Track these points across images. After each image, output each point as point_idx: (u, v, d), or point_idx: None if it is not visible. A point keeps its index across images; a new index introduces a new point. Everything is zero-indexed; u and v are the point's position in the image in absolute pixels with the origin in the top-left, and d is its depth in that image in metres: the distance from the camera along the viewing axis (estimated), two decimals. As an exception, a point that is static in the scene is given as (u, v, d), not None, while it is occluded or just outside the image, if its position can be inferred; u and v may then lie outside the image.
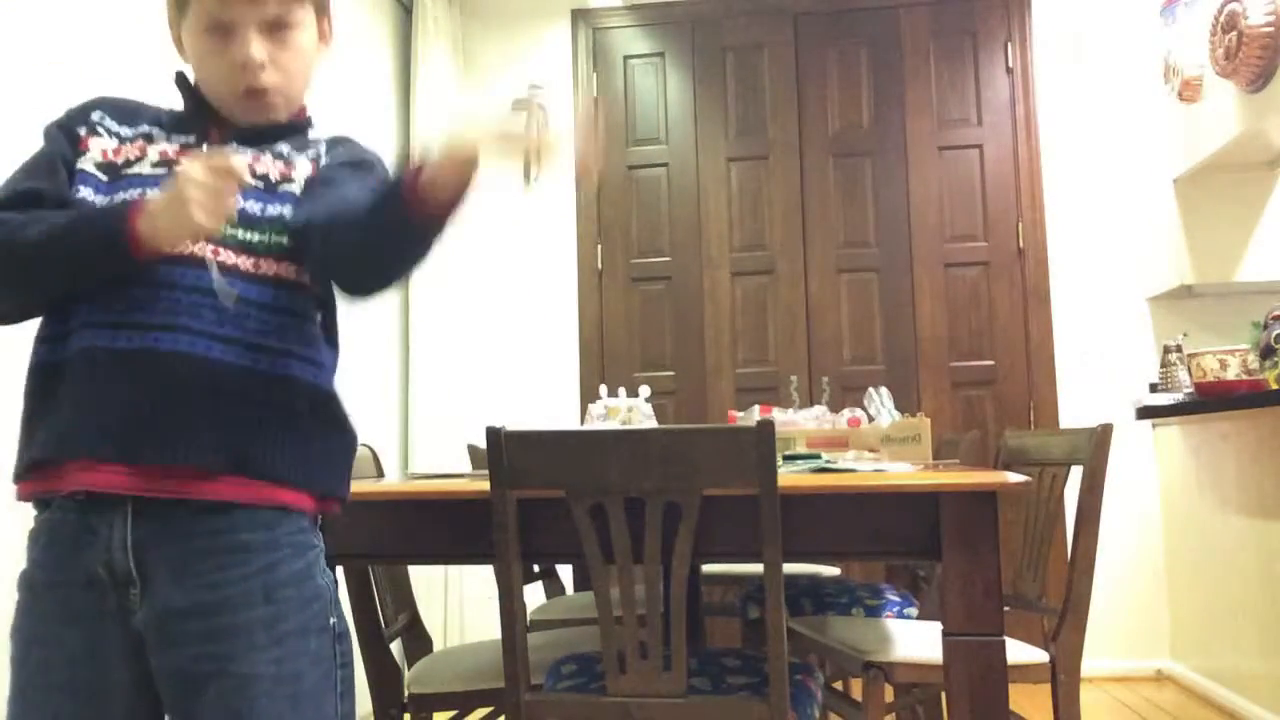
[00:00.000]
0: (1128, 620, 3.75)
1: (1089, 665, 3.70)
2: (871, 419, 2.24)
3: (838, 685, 2.69)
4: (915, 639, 2.03)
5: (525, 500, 1.55)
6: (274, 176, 1.22)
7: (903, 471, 1.66)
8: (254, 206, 1.18)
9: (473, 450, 2.88)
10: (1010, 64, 4.03)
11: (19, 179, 1.17)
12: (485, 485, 1.53)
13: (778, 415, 2.27)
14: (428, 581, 3.79)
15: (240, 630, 1.08)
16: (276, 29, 1.20)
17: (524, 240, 4.23)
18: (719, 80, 4.20)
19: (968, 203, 4.01)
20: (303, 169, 1.25)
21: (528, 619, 2.45)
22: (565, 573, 3.42)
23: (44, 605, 1.10)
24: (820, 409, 2.31)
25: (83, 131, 1.20)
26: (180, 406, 1.09)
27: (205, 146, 1.20)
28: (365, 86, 3.81)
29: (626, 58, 4.27)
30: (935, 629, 1.58)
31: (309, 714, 1.10)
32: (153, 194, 1.11)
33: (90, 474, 1.07)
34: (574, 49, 4.28)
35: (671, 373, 4.10)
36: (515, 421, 4.07)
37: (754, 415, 2.32)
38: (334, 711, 1.14)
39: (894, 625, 2.19)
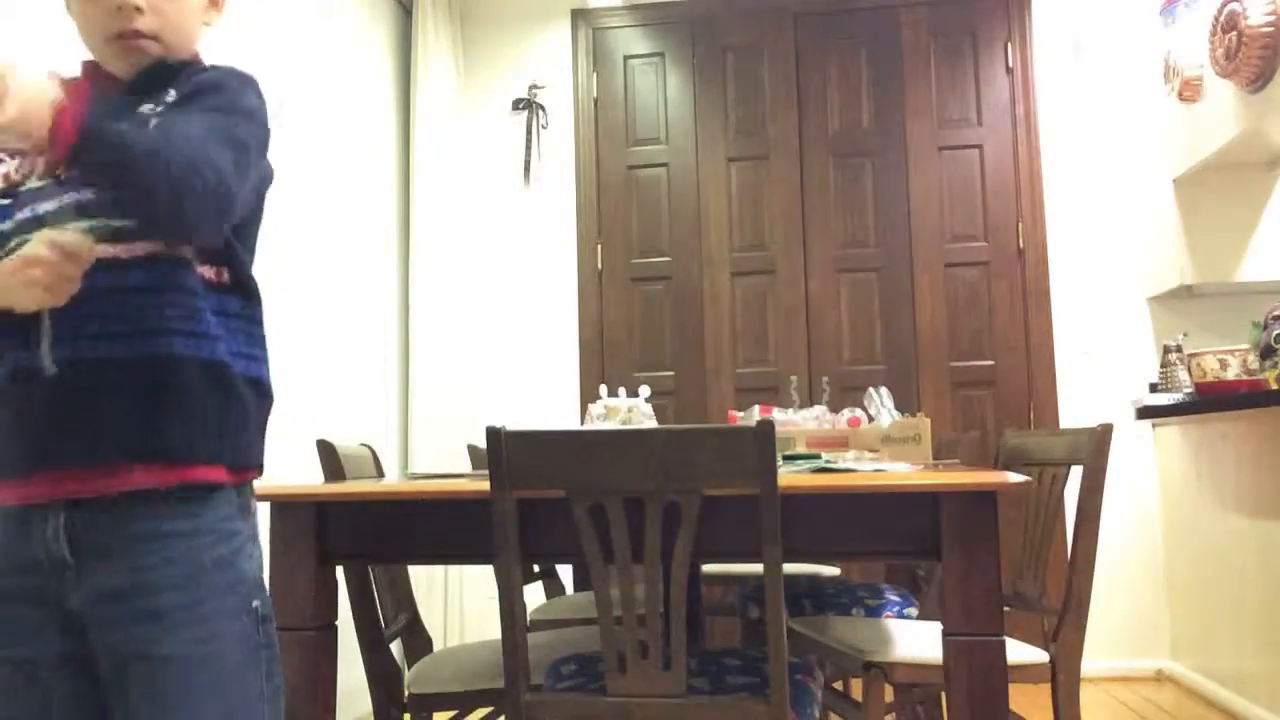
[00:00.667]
0: (1128, 620, 3.75)
1: (1089, 665, 3.71)
2: (871, 419, 2.24)
3: (838, 685, 2.69)
4: (915, 639, 2.03)
5: (525, 500, 1.55)
6: None
7: (903, 471, 1.66)
8: (86, 194, 1.16)
9: (473, 450, 2.88)
10: (1010, 64, 4.03)
11: None
12: (485, 485, 1.53)
13: (778, 415, 2.27)
14: (428, 581, 3.79)
15: (163, 613, 1.11)
16: None
17: (524, 240, 4.23)
18: (719, 80, 4.20)
19: (968, 203, 4.01)
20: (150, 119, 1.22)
21: (528, 619, 2.45)
22: (565, 573, 3.42)
23: None
24: (820, 409, 2.31)
25: None
26: (75, 410, 1.12)
27: (34, 168, 1.19)
28: (365, 86, 3.81)
29: (626, 58, 4.27)
30: (935, 629, 1.58)
31: (233, 694, 1.14)
32: None
33: (13, 490, 1.14)
34: (574, 49, 4.28)
35: (671, 373, 4.10)
36: (515, 421, 4.07)
37: (754, 415, 2.32)
38: (259, 691, 1.17)
39: (894, 625, 2.19)
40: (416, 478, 1.96)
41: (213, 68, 1.28)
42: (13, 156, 1.22)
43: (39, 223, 1.15)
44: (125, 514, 1.13)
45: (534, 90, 4.26)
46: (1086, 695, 3.43)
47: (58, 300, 1.08)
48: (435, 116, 4.02)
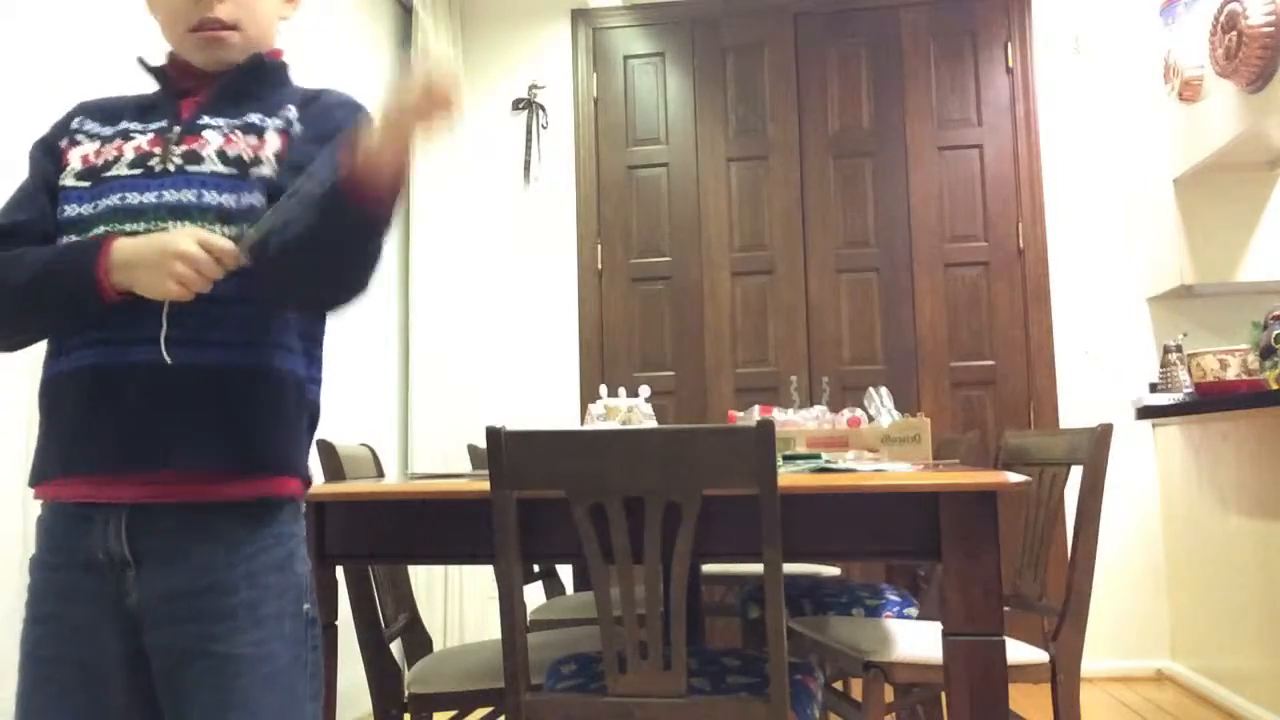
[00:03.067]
0: (1128, 620, 3.75)
1: (1089, 665, 3.70)
2: (871, 419, 2.24)
3: (838, 685, 2.69)
4: (915, 639, 2.03)
5: (525, 500, 1.55)
6: (246, 156, 1.20)
7: (903, 471, 1.66)
8: (228, 199, 1.17)
9: (473, 450, 2.88)
10: (1010, 64, 4.03)
11: (3, 213, 1.21)
12: (485, 485, 1.53)
13: (778, 415, 2.27)
14: (428, 581, 3.79)
15: (226, 613, 1.13)
16: None
17: (524, 240, 4.23)
18: (719, 80, 4.20)
19: (968, 203, 4.01)
20: (272, 143, 1.22)
21: (528, 619, 2.45)
22: (565, 573, 3.42)
23: (50, 586, 1.16)
24: (820, 409, 2.31)
25: (64, 144, 1.23)
26: (167, 414, 1.12)
27: (176, 129, 1.20)
28: (365, 86, 3.80)
29: (626, 58, 4.27)
30: (935, 629, 1.58)
31: (283, 692, 1.16)
32: (130, 246, 1.10)
33: (87, 488, 1.13)
34: (574, 49, 4.28)
35: (671, 373, 4.10)
36: (515, 421, 4.07)
37: (754, 415, 2.32)
38: (305, 690, 1.19)
39: (894, 625, 2.19)
40: (416, 478, 1.96)
41: (326, 92, 1.30)
42: (92, 139, 1.22)
43: (134, 214, 1.15)
44: (196, 518, 1.14)
45: (534, 90, 4.26)
46: (1086, 695, 3.43)
47: (184, 297, 1.08)
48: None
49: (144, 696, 1.15)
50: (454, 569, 3.87)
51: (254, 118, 1.23)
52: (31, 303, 1.14)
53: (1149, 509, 3.79)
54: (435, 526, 1.66)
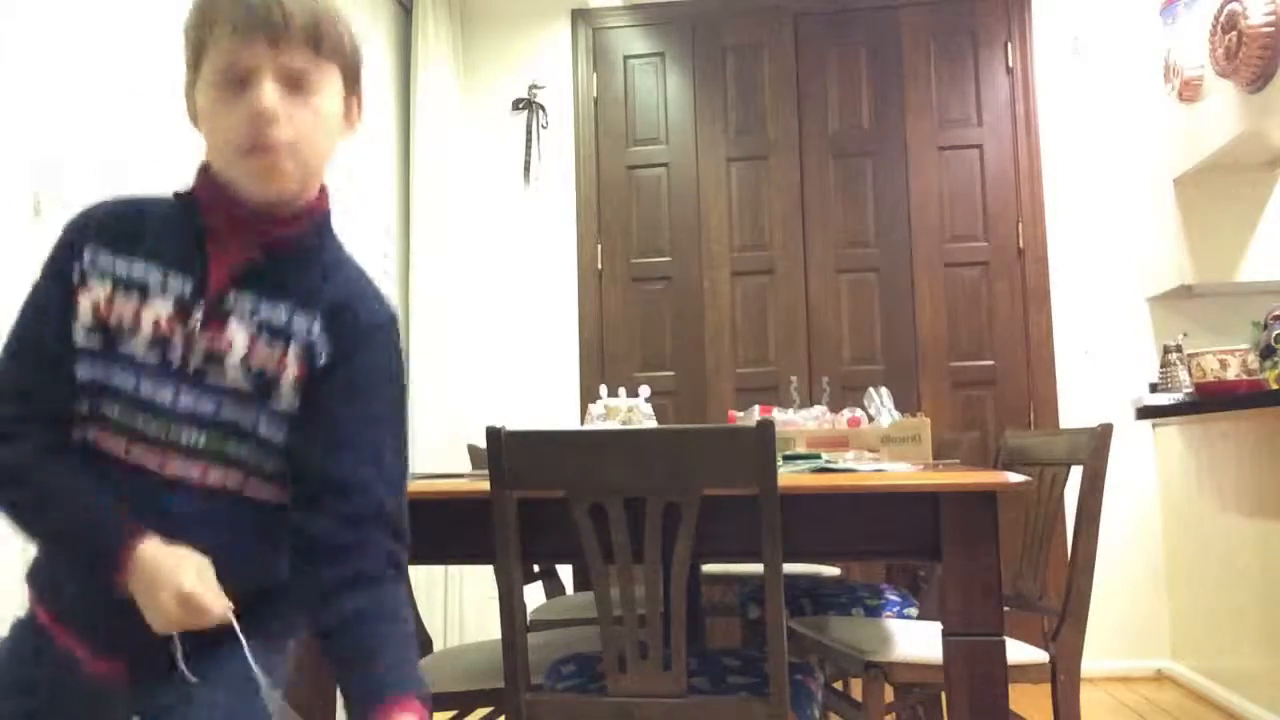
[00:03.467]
0: (1128, 620, 3.74)
1: (1089, 665, 3.69)
2: (871, 419, 2.24)
3: (838, 685, 2.69)
4: (915, 639, 2.03)
5: (525, 500, 1.55)
6: (268, 372, 1.11)
7: (903, 471, 1.66)
8: (245, 419, 1.12)
9: (473, 450, 2.88)
10: (1010, 64, 4.03)
11: (9, 366, 1.11)
12: (485, 485, 1.53)
13: (778, 415, 2.27)
14: (428, 581, 3.79)
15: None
16: (298, 86, 1.09)
17: (524, 240, 4.23)
18: (719, 80, 4.20)
19: (968, 203, 4.01)
20: (292, 366, 1.12)
21: (528, 619, 2.44)
22: (565, 573, 3.41)
23: (16, 687, 1.14)
24: (820, 409, 2.31)
25: (75, 278, 1.10)
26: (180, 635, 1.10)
27: (198, 312, 1.10)
28: (365, 86, 3.80)
29: (626, 58, 4.27)
30: (935, 629, 1.58)
31: None
32: (148, 572, 1.05)
33: (92, 662, 1.13)
34: (574, 49, 4.28)
35: (671, 373, 4.10)
36: (515, 421, 4.06)
37: (754, 415, 2.32)
38: None
39: (894, 625, 2.19)
40: (416, 478, 1.96)
41: (357, 311, 1.16)
42: (103, 280, 1.10)
43: (148, 409, 1.09)
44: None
45: (534, 90, 4.26)
46: (1086, 695, 3.42)
47: (178, 629, 1.07)
48: (435, 116, 4.02)
49: None
50: (454, 569, 3.87)
51: (282, 315, 1.13)
52: (52, 544, 1.14)
53: (1149, 509, 3.79)
54: (435, 526, 1.66)
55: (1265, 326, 3.02)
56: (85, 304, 1.10)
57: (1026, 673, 1.91)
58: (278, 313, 1.12)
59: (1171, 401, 3.42)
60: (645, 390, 2.44)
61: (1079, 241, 3.93)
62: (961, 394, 3.93)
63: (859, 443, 2.16)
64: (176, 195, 1.15)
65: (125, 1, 2.33)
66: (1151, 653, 3.74)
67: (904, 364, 3.97)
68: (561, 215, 4.22)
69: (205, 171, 1.13)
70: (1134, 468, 3.80)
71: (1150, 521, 3.78)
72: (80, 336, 1.09)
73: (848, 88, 4.12)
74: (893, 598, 2.47)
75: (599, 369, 4.12)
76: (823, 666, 2.44)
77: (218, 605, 1.06)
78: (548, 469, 1.50)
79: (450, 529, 1.66)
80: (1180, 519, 3.62)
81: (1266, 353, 2.98)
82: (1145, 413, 3.52)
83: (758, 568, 1.47)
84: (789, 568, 2.85)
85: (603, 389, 2.51)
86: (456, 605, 3.88)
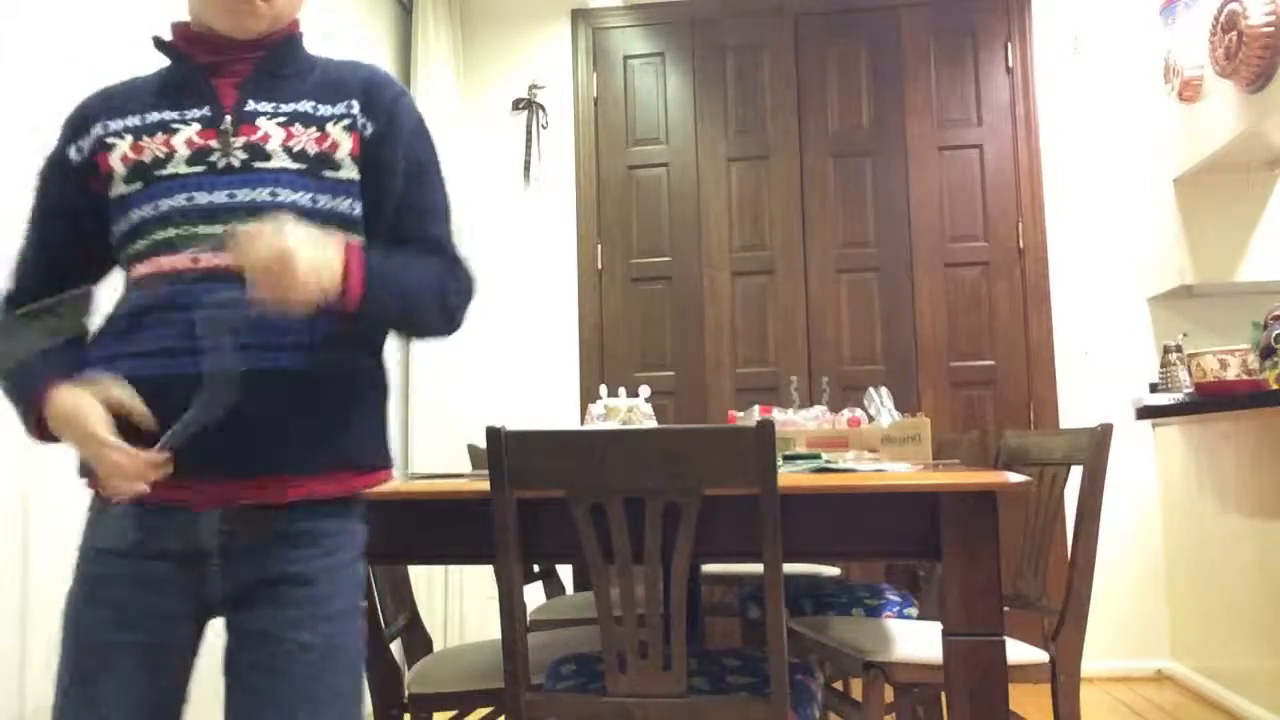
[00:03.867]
0: (1128, 620, 3.74)
1: (1089, 665, 3.71)
2: (871, 419, 2.24)
3: (838, 685, 2.69)
4: (915, 639, 2.03)
5: (525, 500, 1.55)
6: (311, 151, 1.17)
7: (903, 471, 1.66)
8: (303, 198, 1.16)
9: (473, 450, 2.88)
10: (1010, 64, 4.03)
11: (14, 270, 1.22)
12: (485, 485, 1.53)
13: (778, 415, 2.27)
14: (428, 581, 3.79)
15: (307, 602, 1.16)
16: None
17: (524, 240, 4.23)
18: (719, 80, 4.20)
19: (968, 203, 4.01)
20: (343, 142, 1.19)
21: (528, 619, 2.45)
22: (565, 573, 3.42)
23: (113, 571, 1.15)
24: (820, 409, 2.31)
25: (94, 154, 1.18)
26: (259, 421, 1.12)
27: (226, 118, 1.16)
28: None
29: (626, 58, 4.27)
30: (935, 629, 1.58)
31: (350, 680, 1.19)
32: (63, 410, 1.10)
33: (170, 491, 1.13)
34: (574, 49, 4.28)
35: (671, 373, 4.10)
36: (515, 421, 4.07)
37: (754, 415, 2.32)
38: (362, 678, 1.23)
39: (894, 625, 2.19)
40: (416, 478, 1.96)
41: (379, 83, 1.26)
42: (124, 135, 1.16)
43: (207, 216, 1.12)
44: (288, 514, 1.16)
45: (534, 90, 4.26)
46: (1086, 695, 3.43)
47: (125, 493, 1.08)
48: (435, 116, 4.02)
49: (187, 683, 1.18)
50: (454, 569, 3.87)
51: (304, 106, 1.20)
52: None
53: (1149, 509, 3.79)
54: (435, 526, 1.66)
55: (1265, 326, 3.02)
56: (114, 160, 1.15)
57: (1026, 673, 1.91)
58: (300, 105, 1.19)
59: (1171, 401, 3.42)
60: (645, 390, 2.44)
61: (1079, 241, 3.93)
62: (961, 394, 3.93)
63: (859, 443, 2.16)
64: (157, 45, 1.22)
65: (126, 3, 2.33)
66: (1151, 653, 3.74)
67: (904, 364, 3.97)
68: (561, 215, 4.22)
69: (180, 26, 1.22)
70: (1134, 468, 3.80)
71: (1150, 521, 3.78)
72: (121, 189, 1.15)
73: (848, 88, 4.12)
74: (893, 598, 2.47)
75: (599, 369, 4.12)
76: (823, 666, 2.44)
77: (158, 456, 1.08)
78: (548, 469, 1.50)
79: (450, 529, 1.66)
80: (1180, 519, 3.62)
81: (1266, 353, 2.98)
82: (1145, 413, 3.52)
83: (758, 568, 1.47)
84: (789, 568, 2.85)
85: (603, 389, 2.51)
86: (457, 605, 3.88)
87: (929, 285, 3.99)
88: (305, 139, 1.17)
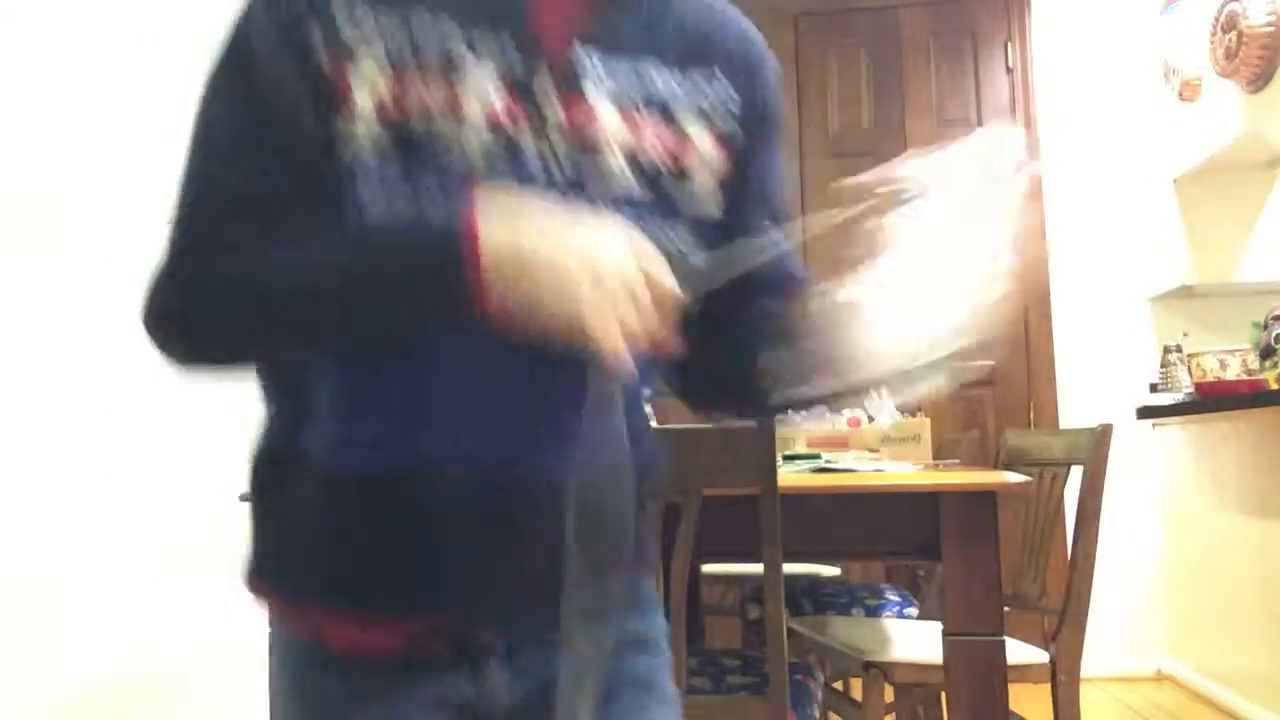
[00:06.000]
0: (1128, 620, 3.74)
1: (1089, 665, 3.69)
2: (871, 419, 2.24)
3: (838, 685, 2.69)
4: (915, 639, 2.03)
5: (525, 500, 1.55)
6: (663, 167, 0.74)
7: (903, 471, 1.66)
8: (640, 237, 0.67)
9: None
10: (1010, 64, 4.03)
11: (231, 169, 0.69)
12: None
13: (778, 415, 2.27)
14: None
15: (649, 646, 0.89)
16: None
17: (524, 240, 4.22)
18: (719, 80, 4.20)
19: (968, 203, 4.00)
20: (704, 146, 0.76)
21: (528, 619, 2.44)
22: (565, 573, 3.41)
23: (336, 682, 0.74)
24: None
25: (321, 55, 0.66)
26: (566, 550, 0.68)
27: (544, 79, 0.69)
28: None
29: (626, 58, 4.27)
30: (935, 629, 1.58)
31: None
32: (515, 237, 0.61)
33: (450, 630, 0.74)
34: (574, 49, 4.28)
35: (671, 373, 4.10)
36: (515, 421, 4.06)
37: (754, 415, 2.32)
38: None
39: (894, 625, 2.19)
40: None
41: (762, 68, 0.89)
42: (386, 53, 0.65)
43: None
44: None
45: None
46: (1086, 695, 3.42)
47: (621, 353, 0.62)
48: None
49: None
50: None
51: (655, 79, 0.73)
52: (340, 306, 0.66)
53: (1149, 509, 3.79)
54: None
55: (1265, 326, 3.03)
56: (362, 93, 0.65)
57: (1026, 673, 1.91)
58: (651, 75, 0.73)
59: (1172, 401, 3.42)
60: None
61: (1079, 241, 3.93)
62: (961, 394, 3.93)
63: (859, 443, 2.17)
64: None
65: (129, 3, 2.33)
66: (1151, 653, 3.74)
67: (904, 364, 3.96)
68: (561, 215, 4.21)
69: None
70: (1134, 468, 3.80)
71: (1150, 521, 3.78)
72: (366, 144, 0.65)
73: (848, 88, 4.12)
74: (893, 598, 2.47)
75: (599, 369, 4.11)
76: (823, 666, 2.44)
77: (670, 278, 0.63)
78: (548, 469, 1.49)
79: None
80: (1180, 519, 3.62)
81: (1266, 353, 2.98)
82: (1145, 413, 3.52)
83: (758, 568, 1.47)
84: (789, 568, 2.84)
85: (603, 389, 2.50)
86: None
87: (929, 285, 3.98)
88: (653, 141, 0.75)
